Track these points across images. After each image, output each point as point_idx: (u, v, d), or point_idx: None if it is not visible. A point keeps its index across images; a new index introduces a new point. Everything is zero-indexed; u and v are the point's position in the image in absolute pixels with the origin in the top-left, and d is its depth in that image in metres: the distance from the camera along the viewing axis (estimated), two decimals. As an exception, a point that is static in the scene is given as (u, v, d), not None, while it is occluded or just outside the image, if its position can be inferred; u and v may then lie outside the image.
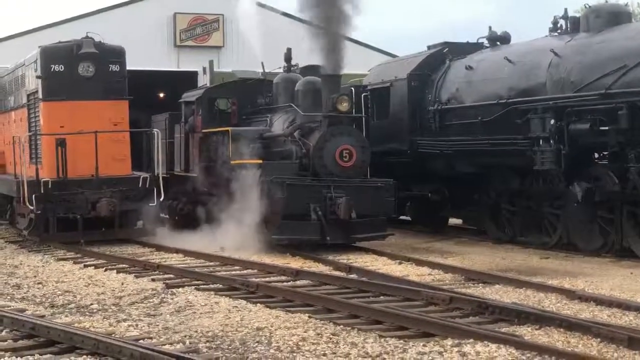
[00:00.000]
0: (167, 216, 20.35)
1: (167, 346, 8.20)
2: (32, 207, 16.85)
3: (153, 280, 12.62)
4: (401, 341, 8.39)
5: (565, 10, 16.41)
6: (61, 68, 17.63)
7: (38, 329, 8.66)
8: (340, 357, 7.90)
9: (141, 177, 17.79)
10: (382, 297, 10.93)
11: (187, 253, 15.85)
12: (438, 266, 13.59)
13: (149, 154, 19.74)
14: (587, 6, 15.96)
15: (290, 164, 16.22)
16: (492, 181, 17.29)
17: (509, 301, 10.29)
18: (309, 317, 9.57)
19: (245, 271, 13.60)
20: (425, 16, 78.59)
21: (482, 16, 67.14)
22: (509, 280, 11.88)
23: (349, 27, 15.81)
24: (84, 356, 7.92)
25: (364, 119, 18.91)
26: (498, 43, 18.25)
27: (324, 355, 7.97)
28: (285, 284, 12.21)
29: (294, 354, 8.01)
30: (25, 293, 11.93)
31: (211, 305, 10.52)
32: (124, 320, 9.73)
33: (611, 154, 14.87)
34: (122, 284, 12.45)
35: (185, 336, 8.79)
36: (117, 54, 18.04)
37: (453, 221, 20.26)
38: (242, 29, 20.25)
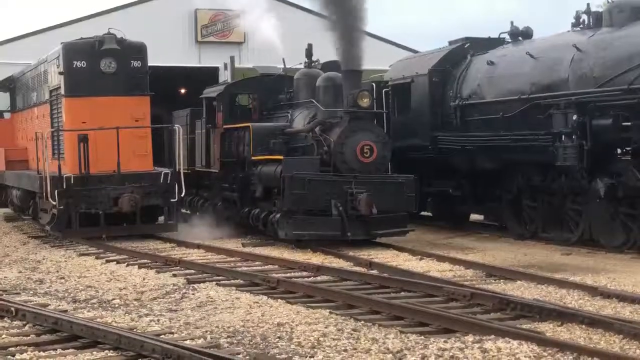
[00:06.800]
0: (188, 211, 20.43)
1: (188, 341, 8.24)
2: (54, 203, 16.95)
3: (174, 275, 12.67)
4: (422, 337, 8.39)
5: (588, 5, 16.33)
6: (83, 64, 17.71)
7: (60, 324, 8.72)
8: (361, 352, 7.90)
9: (162, 172, 17.85)
10: (403, 293, 10.92)
11: (208, 248, 15.91)
12: (459, 262, 13.56)
13: (170, 149, 19.82)
14: (610, 1, 15.85)
15: (311, 159, 16.22)
16: (513, 177, 17.21)
17: (531, 297, 10.26)
18: (330, 312, 9.58)
19: (266, 267, 13.63)
20: (447, 12, 78.31)
21: (503, 12, 66.78)
22: (531, 277, 11.84)
23: (366, 22, 15.81)
24: (106, 351, 7.97)
25: (384, 114, 18.90)
26: (520, 38, 18.16)
27: (345, 350, 7.97)
28: (306, 279, 12.22)
29: (315, 350, 8.02)
30: (47, 288, 12.01)
31: (232, 300, 10.55)
32: (146, 315, 9.78)
33: (634, 150, 14.76)
34: (144, 279, 12.50)
35: (206, 331, 8.83)
36: (138, 50, 18.11)
37: (474, 217, 20.21)
38: (258, 26, 20.19)
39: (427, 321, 8.96)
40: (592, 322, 8.66)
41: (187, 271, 13.09)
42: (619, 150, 15.48)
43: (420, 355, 7.75)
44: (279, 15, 20.50)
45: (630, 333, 8.18)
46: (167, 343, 7.69)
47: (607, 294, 10.40)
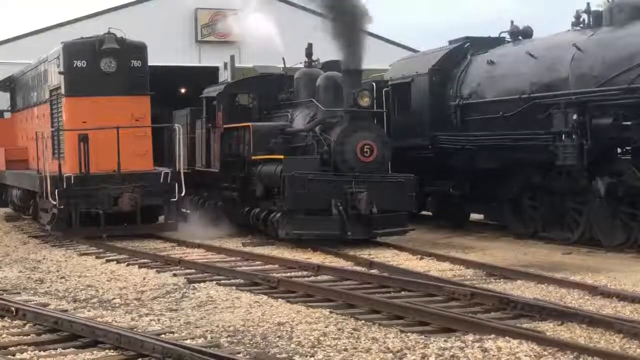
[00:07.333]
0: (188, 211, 20.43)
1: (188, 341, 8.25)
2: (54, 202, 16.95)
3: (175, 275, 12.67)
4: (422, 336, 8.39)
5: (588, 4, 16.33)
6: (83, 64, 17.73)
7: (61, 323, 8.72)
8: (361, 352, 7.90)
9: (163, 172, 17.86)
10: (403, 292, 10.92)
11: (208, 248, 15.91)
12: (459, 261, 13.57)
13: (170, 149, 19.82)
14: (610, 0, 15.84)
15: (312, 159, 16.23)
16: (513, 176, 17.21)
17: (531, 297, 10.26)
18: (330, 312, 9.58)
19: (266, 266, 13.62)
20: (447, 10, 78.29)
21: (504, 10, 66.72)
22: (531, 276, 11.84)
23: (367, 21, 15.79)
24: (106, 350, 7.98)
25: (384, 114, 18.90)
26: (520, 37, 18.16)
27: (345, 350, 7.97)
28: (306, 279, 12.23)
29: (315, 349, 8.02)
30: (48, 287, 12.02)
31: (232, 300, 10.55)
32: (146, 314, 9.78)
33: (634, 149, 14.77)
34: (144, 278, 12.51)
35: (206, 331, 8.83)
36: (138, 50, 18.12)
37: (474, 216, 20.20)
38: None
39: (428, 320, 8.97)
40: (592, 321, 8.66)
41: (188, 271, 13.09)
42: (619, 150, 15.49)
43: (420, 355, 7.75)
44: (278, 15, 20.47)
45: (631, 332, 8.18)
46: (168, 342, 7.69)
47: (607, 293, 10.41)
